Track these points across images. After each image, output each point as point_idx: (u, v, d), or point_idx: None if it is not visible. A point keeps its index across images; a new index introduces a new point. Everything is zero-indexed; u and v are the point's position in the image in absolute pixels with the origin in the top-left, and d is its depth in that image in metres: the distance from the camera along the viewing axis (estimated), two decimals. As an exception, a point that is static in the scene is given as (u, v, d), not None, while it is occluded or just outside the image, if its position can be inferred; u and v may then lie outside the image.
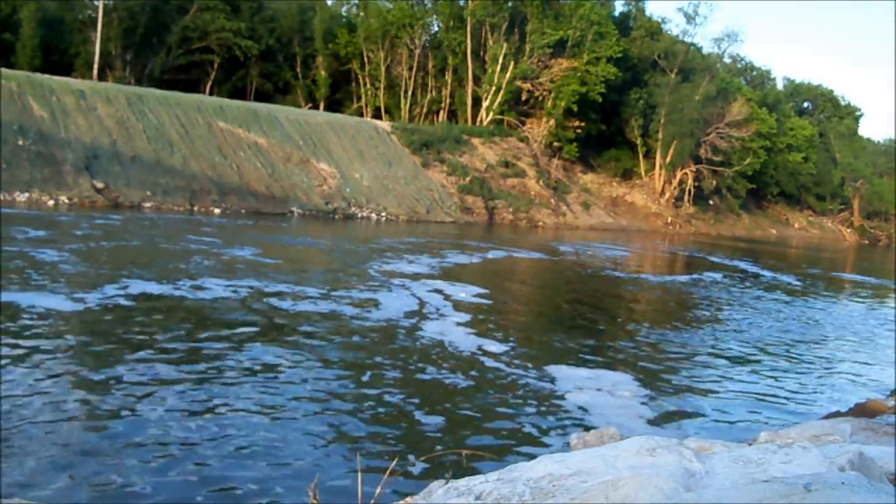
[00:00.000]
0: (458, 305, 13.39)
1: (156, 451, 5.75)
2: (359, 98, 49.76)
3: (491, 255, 23.58)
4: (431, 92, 49.28)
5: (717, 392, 9.36)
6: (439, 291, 14.54)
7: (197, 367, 7.97)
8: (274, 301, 11.97)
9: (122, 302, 10.80)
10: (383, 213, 33.43)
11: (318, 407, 7.19)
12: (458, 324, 11.68)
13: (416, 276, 16.31)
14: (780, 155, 59.19)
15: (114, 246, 16.80)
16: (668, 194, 51.13)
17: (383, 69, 47.86)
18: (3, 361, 7.43)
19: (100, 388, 7.04)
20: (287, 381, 7.84)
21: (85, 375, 7.38)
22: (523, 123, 46.84)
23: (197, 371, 7.82)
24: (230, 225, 24.00)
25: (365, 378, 8.31)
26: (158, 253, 16.49)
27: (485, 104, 45.94)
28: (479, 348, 10.17)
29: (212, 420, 6.50)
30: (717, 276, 24.15)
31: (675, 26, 72.45)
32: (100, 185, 25.77)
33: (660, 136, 49.91)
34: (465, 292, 14.90)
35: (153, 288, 11.98)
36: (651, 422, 7.73)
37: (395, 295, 13.69)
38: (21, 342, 8.16)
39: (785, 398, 9.43)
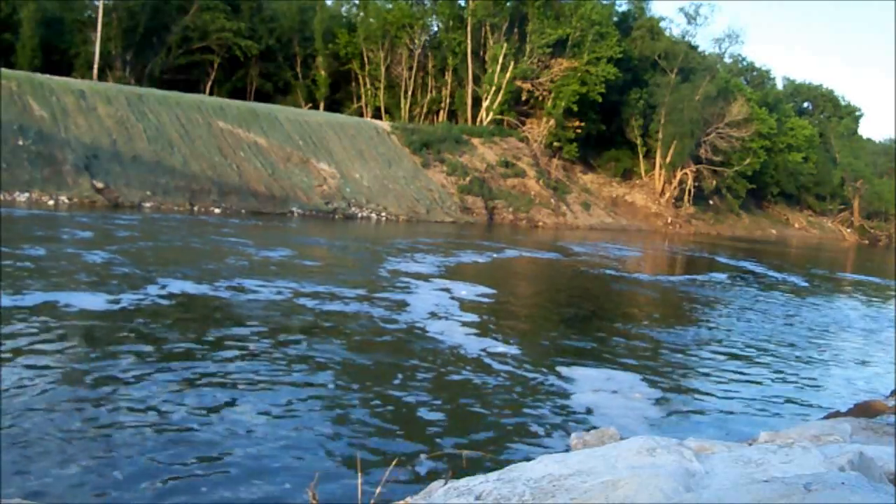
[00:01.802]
0: (473, 306, 13.49)
1: (164, 447, 5.76)
2: (359, 98, 49.76)
3: (503, 255, 23.80)
4: (431, 92, 49.28)
5: (719, 391, 9.36)
6: (457, 292, 14.71)
7: (214, 365, 8.05)
8: (306, 301, 12.21)
9: (162, 301, 11.09)
10: (383, 214, 33.44)
11: (323, 405, 7.21)
12: (473, 324, 11.75)
13: (434, 277, 16.56)
14: (780, 155, 59.18)
15: (153, 246, 17.26)
16: (668, 194, 51.13)
17: (383, 69, 47.86)
18: (27, 359, 7.51)
19: (121, 385, 7.14)
20: (297, 381, 7.87)
21: (109, 373, 7.46)
22: (523, 123, 46.85)
23: (214, 371, 7.90)
24: (243, 225, 24.19)
25: (373, 378, 8.33)
26: (196, 254, 16.93)
27: (485, 104, 45.94)
28: (490, 348, 10.21)
29: (219, 419, 6.52)
30: (723, 276, 24.23)
31: (676, 26, 72.45)
32: (100, 185, 25.77)
33: (660, 136, 49.91)
34: (479, 293, 15.06)
35: (191, 287, 12.33)
36: (653, 421, 7.73)
37: (417, 296, 13.84)
38: (52, 339, 8.23)
39: (785, 398, 9.43)
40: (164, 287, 12.08)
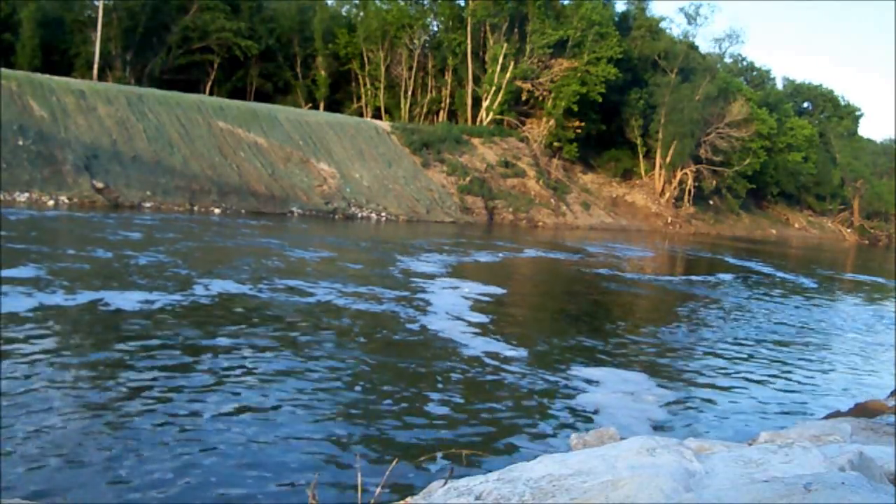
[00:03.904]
0: (489, 307, 13.64)
1: (166, 442, 5.78)
2: (359, 98, 49.74)
3: (512, 256, 24.00)
4: (431, 92, 49.26)
5: (721, 391, 9.36)
6: (474, 292, 14.92)
7: (234, 365, 8.13)
8: (339, 300, 12.44)
9: (204, 301, 11.42)
10: (383, 214, 33.42)
11: (331, 404, 7.23)
12: (488, 325, 11.83)
13: (452, 277, 16.88)
14: (780, 155, 59.12)
15: (196, 247, 17.81)
16: (668, 194, 51.10)
17: (383, 69, 47.84)
18: (58, 357, 7.57)
19: (144, 382, 7.22)
20: (311, 381, 7.91)
21: (134, 370, 7.54)
22: (523, 123, 46.82)
23: (233, 369, 8.00)
24: (256, 224, 24.43)
25: (387, 378, 8.38)
26: (236, 253, 17.48)
27: (485, 104, 45.92)
28: (503, 349, 10.26)
29: (226, 416, 6.54)
30: (730, 276, 24.36)
31: (677, 26, 72.53)
32: (100, 185, 25.77)
33: (660, 136, 49.88)
34: (494, 293, 15.27)
35: (232, 287, 12.81)
36: (655, 421, 7.73)
37: (436, 295, 14.02)
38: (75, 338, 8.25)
39: (785, 398, 9.43)
40: (207, 287, 12.48)
